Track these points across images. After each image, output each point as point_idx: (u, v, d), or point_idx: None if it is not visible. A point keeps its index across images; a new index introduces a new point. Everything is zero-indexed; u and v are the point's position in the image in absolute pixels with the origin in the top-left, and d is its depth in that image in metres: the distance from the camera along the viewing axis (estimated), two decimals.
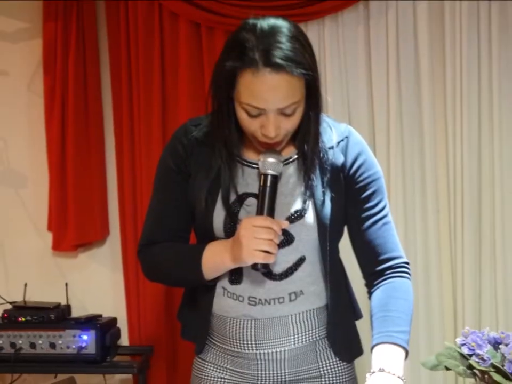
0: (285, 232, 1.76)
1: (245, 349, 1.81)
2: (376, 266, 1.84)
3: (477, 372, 1.39)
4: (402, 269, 1.85)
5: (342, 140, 1.86)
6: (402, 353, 1.66)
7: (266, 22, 1.65)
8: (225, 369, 1.88)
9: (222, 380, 1.89)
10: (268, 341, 1.79)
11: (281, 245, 1.76)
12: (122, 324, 3.42)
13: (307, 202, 1.78)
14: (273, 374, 1.82)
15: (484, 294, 3.25)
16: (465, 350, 1.41)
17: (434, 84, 3.33)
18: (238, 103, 1.66)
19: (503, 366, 1.36)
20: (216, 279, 1.80)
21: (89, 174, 3.42)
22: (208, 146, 1.81)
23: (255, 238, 1.63)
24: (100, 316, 3.35)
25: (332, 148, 1.83)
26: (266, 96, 1.62)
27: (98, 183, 3.47)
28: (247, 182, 1.80)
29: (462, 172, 3.25)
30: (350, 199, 1.85)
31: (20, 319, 3.27)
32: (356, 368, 1.97)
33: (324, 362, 1.87)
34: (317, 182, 1.79)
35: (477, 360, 1.38)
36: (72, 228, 3.39)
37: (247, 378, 1.85)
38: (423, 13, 3.28)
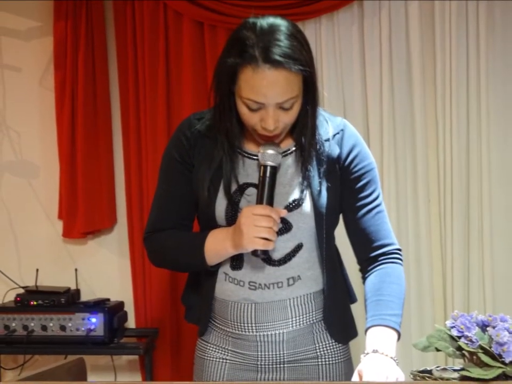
0: (284, 220, 1.76)
1: (245, 331, 1.80)
2: (370, 253, 1.85)
3: (465, 353, 1.38)
4: (394, 255, 1.85)
5: (338, 133, 1.85)
6: (395, 335, 1.68)
7: (265, 21, 1.65)
8: (226, 350, 1.88)
9: (224, 361, 1.88)
10: (267, 324, 1.78)
11: (280, 232, 1.76)
12: (129, 307, 3.42)
13: (304, 192, 1.78)
14: (272, 354, 1.82)
15: (472, 279, 3.25)
16: (454, 332, 1.39)
17: (425, 79, 3.33)
18: (239, 97, 1.66)
19: (490, 347, 1.35)
20: (218, 265, 1.80)
21: (97, 165, 3.42)
22: (211, 138, 1.81)
23: (255, 225, 1.63)
24: (108, 299, 3.37)
25: (328, 140, 1.82)
26: (266, 91, 1.62)
27: (107, 174, 3.46)
28: (248, 172, 1.80)
29: (451, 163, 3.25)
30: (345, 189, 1.85)
31: (32, 302, 3.28)
32: (350, 349, 1.96)
33: (320, 344, 1.87)
34: (313, 172, 1.79)
35: (466, 341, 1.36)
36: (82, 216, 3.39)
37: (248, 359, 1.84)
38: (414, 13, 3.28)
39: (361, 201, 1.85)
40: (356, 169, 1.85)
